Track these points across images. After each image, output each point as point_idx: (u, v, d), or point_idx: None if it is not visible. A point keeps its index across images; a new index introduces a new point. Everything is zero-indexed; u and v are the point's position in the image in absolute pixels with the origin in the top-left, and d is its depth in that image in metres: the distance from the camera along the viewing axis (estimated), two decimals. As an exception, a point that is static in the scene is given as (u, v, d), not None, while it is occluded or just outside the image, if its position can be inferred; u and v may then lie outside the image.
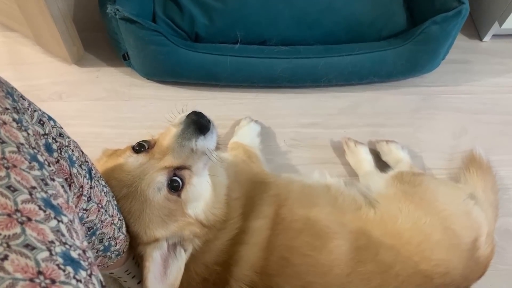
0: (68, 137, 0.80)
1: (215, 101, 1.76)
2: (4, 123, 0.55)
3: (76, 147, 0.81)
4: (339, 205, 1.31)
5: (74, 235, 0.54)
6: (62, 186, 0.59)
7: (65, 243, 0.50)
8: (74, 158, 0.79)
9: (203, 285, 1.16)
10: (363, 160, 1.59)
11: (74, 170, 0.77)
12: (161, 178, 1.01)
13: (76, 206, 0.77)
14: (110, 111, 1.73)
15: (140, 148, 1.07)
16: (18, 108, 0.61)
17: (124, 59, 1.75)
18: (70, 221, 0.55)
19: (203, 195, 1.11)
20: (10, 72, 1.81)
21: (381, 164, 1.61)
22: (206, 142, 1.06)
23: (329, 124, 1.72)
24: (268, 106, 1.75)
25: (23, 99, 0.69)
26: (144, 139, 1.10)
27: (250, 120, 1.66)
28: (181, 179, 1.04)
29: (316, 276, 1.16)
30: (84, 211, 0.81)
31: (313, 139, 1.69)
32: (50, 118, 0.77)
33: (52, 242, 0.49)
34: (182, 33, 1.69)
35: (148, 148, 1.07)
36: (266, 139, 1.67)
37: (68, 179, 0.76)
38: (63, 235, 0.51)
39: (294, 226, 1.21)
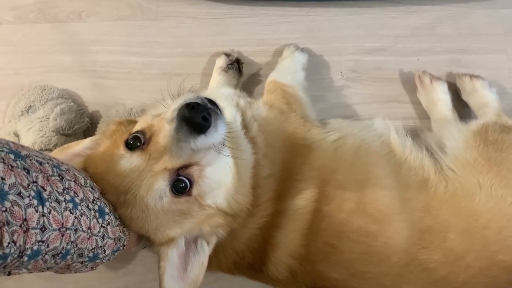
0: None
1: (257, 19, 1.50)
2: None
3: (9, 170, 0.65)
4: (403, 176, 1.10)
5: None
6: None
7: None
8: (7, 188, 0.63)
9: (235, 267, 1.05)
10: (439, 101, 1.30)
11: (7, 204, 0.62)
12: (161, 184, 0.84)
13: (25, 243, 0.65)
14: (135, 34, 1.52)
15: (135, 142, 0.86)
16: None
17: (148, -33, 1.45)
18: None
19: (222, 182, 0.93)
20: (20, -16, 1.58)
21: (460, 103, 1.32)
22: (210, 139, 0.83)
23: (398, 50, 1.44)
24: (323, 26, 1.47)
25: None
26: (139, 128, 0.90)
27: (294, 48, 1.37)
28: (189, 178, 0.86)
29: (369, 265, 1.02)
30: (41, 243, 0.69)
31: (377, 69, 1.43)
32: None
33: None
34: None
35: (143, 143, 0.87)
36: (318, 71, 1.41)
37: None
38: None
39: (343, 207, 1.02)
